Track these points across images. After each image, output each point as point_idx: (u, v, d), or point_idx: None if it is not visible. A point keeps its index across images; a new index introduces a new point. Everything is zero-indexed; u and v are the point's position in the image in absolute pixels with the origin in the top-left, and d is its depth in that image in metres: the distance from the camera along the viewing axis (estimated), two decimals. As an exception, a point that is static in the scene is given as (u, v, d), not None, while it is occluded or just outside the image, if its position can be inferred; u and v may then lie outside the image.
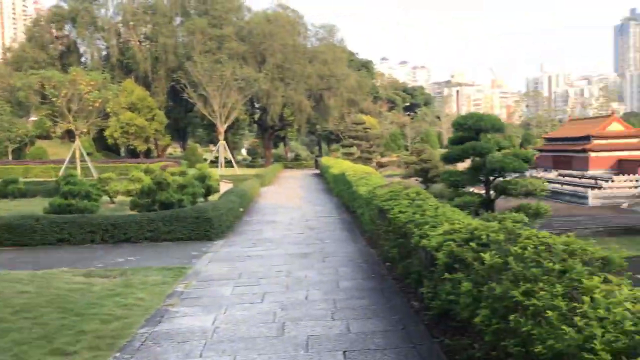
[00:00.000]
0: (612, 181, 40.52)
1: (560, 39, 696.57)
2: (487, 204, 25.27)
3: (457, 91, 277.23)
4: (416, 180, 43.95)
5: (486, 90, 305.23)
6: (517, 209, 24.74)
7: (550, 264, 5.10)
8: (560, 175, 47.49)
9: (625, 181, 40.45)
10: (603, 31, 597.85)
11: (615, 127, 48.55)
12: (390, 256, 12.29)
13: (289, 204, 29.29)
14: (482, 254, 6.06)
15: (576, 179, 43.85)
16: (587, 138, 47.66)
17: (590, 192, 38.78)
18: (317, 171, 63.11)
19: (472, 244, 6.66)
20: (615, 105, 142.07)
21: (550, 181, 39.18)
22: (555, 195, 39.09)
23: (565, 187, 41.51)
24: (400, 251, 11.08)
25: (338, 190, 30.86)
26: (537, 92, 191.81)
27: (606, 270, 5.14)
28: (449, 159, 26.81)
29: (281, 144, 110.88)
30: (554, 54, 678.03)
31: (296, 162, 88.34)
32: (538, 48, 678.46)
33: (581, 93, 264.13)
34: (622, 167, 45.90)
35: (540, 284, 4.85)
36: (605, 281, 4.56)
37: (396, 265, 11.91)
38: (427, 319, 8.57)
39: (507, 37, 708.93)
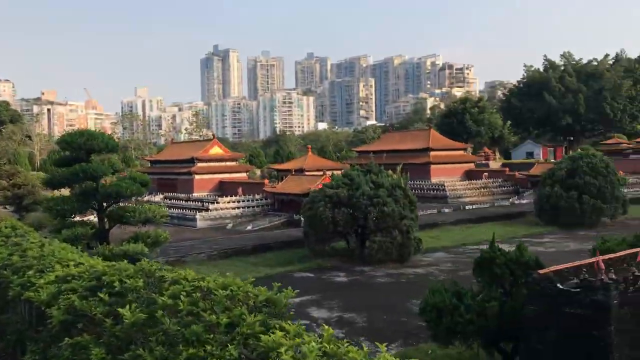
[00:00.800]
0: (217, 203, 42.37)
1: (152, 65, 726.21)
2: (100, 235, 22.50)
3: (49, 109, 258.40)
4: (6, 208, 38.47)
5: (80, 110, 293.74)
6: (135, 238, 22.74)
7: (214, 317, 4.26)
8: (166, 198, 47.47)
9: (228, 202, 42.79)
10: (193, 62, 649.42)
11: (216, 150, 51.46)
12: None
13: None
14: (119, 309, 4.83)
15: (183, 202, 44.41)
16: (191, 161, 49.05)
17: (199, 215, 39.61)
18: None
19: (102, 295, 5.36)
20: (204, 131, 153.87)
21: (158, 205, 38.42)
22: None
23: (173, 210, 41.42)
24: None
25: None
26: (133, 115, 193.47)
27: (272, 313, 4.57)
28: (53, 183, 23.07)
29: None
30: (149, 79, 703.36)
31: None
32: (133, 73, 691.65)
33: (174, 119, 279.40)
34: (223, 188, 48.76)
35: (209, 347, 3.94)
36: (282, 331, 3.91)
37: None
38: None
39: (101, 56, 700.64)
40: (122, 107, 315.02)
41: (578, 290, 10.64)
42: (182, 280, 5.42)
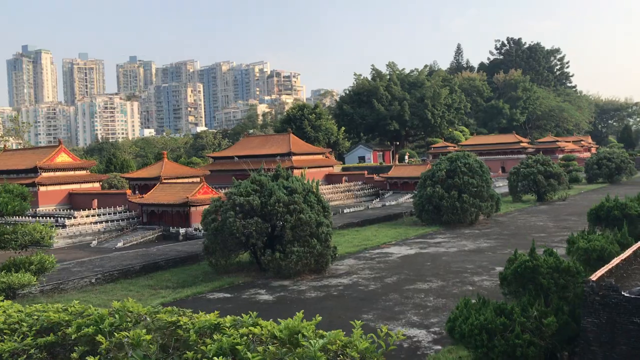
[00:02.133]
0: (75, 217, 36.62)
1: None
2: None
3: None
4: None
5: None
6: (15, 266, 18.03)
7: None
8: (2, 215, 40.06)
9: (87, 216, 37.24)
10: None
11: (64, 158, 44.83)
12: None
13: None
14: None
15: (30, 218, 37.72)
16: (34, 170, 42.11)
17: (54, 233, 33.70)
18: None
19: (91, 358, 4.00)
20: (12, 139, 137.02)
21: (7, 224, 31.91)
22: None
23: (19, 228, 34.88)
24: None
25: None
26: None
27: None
28: None
29: None
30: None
31: None
32: None
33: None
34: (75, 201, 42.62)
35: None
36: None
37: None
38: None
39: None
40: None
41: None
42: (219, 327, 4.32)
